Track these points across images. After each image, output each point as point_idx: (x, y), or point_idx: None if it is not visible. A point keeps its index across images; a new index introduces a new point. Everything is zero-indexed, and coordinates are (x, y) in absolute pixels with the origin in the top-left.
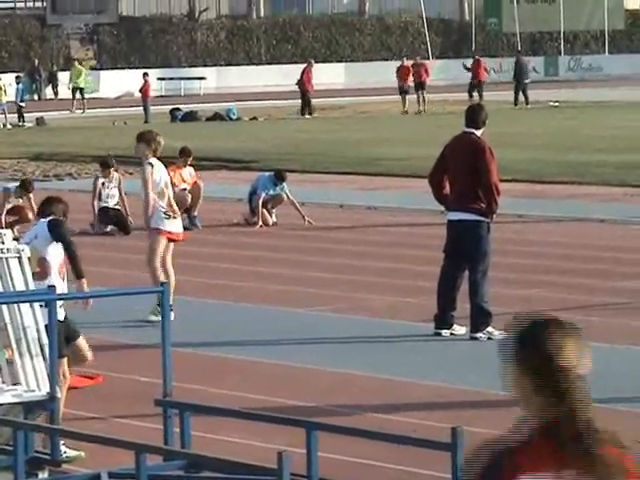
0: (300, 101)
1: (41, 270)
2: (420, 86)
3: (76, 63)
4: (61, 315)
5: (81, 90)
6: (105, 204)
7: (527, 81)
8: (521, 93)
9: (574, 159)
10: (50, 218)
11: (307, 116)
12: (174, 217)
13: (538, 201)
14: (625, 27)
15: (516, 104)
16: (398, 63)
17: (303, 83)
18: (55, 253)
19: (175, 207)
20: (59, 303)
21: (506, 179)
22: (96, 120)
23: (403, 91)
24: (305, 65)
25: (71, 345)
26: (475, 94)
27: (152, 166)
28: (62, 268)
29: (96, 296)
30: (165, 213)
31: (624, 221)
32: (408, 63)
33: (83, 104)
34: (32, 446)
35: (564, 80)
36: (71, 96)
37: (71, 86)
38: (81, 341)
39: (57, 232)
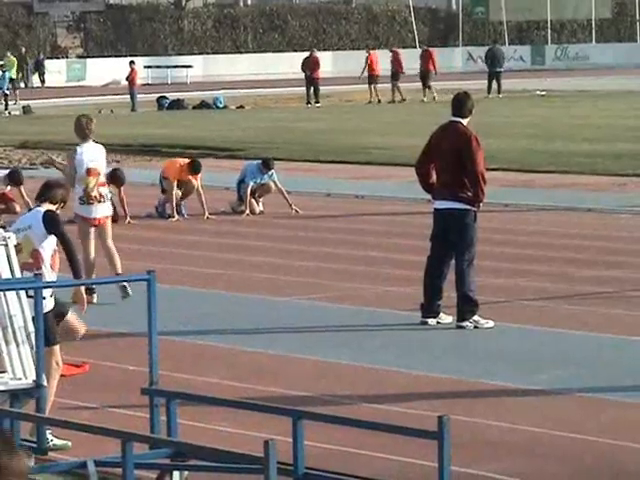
0: (305, 90)
1: (34, 261)
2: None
3: (9, 54)
4: (50, 304)
5: (12, 81)
6: None
7: (501, 70)
8: (494, 82)
9: (561, 148)
10: (46, 209)
11: (317, 105)
12: (89, 203)
13: (525, 190)
14: (612, 16)
15: (489, 93)
16: (385, 52)
17: (311, 72)
18: (49, 245)
19: (93, 194)
20: (48, 293)
21: (493, 168)
22: (82, 108)
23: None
24: (310, 53)
25: (64, 322)
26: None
27: (75, 152)
28: (54, 259)
29: (82, 284)
30: (80, 199)
31: (611, 210)
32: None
33: (15, 95)
34: (18, 435)
35: (551, 69)
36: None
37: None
38: (71, 316)
39: (52, 225)
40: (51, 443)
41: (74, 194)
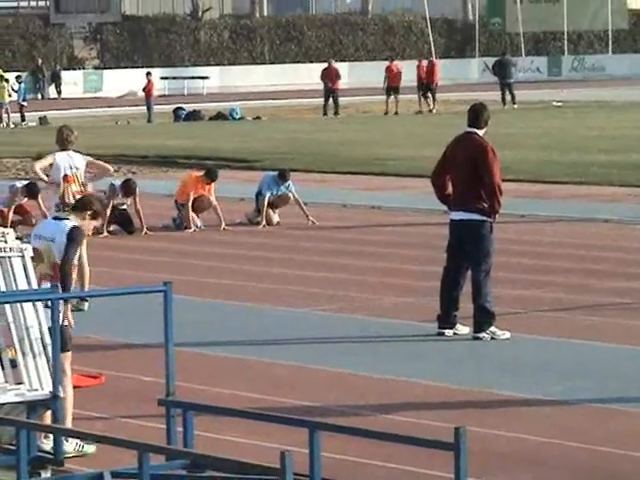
0: (324, 101)
1: (54, 275)
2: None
3: None
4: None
5: None
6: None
7: (511, 81)
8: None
9: (577, 159)
10: (72, 225)
11: (337, 116)
12: (64, 210)
13: (541, 201)
14: (629, 27)
15: (504, 104)
16: (405, 63)
17: (329, 82)
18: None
19: (68, 201)
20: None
21: (509, 179)
22: (99, 119)
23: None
24: (328, 64)
25: None
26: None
27: (53, 159)
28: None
29: (97, 295)
30: (56, 205)
31: (628, 221)
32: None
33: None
34: (35, 445)
35: (567, 80)
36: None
37: None
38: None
39: (70, 240)
40: (82, 449)
41: (51, 201)
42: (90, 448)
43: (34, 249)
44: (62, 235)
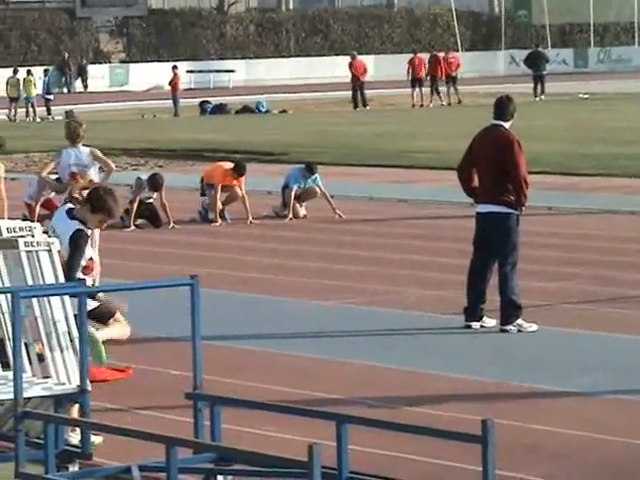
0: (352, 93)
1: (88, 266)
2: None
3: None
4: (93, 305)
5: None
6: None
7: (544, 73)
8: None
9: (604, 151)
10: (76, 229)
11: (366, 108)
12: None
13: (567, 193)
14: None
15: (536, 96)
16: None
17: (356, 76)
18: (89, 252)
19: (75, 195)
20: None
21: (535, 171)
22: (125, 113)
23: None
24: (352, 57)
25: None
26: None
27: (60, 155)
28: (91, 266)
29: (125, 289)
30: (64, 200)
31: None
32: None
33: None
34: (62, 439)
35: (593, 72)
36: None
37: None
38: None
39: (73, 242)
40: None
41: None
42: (97, 439)
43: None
44: (67, 236)
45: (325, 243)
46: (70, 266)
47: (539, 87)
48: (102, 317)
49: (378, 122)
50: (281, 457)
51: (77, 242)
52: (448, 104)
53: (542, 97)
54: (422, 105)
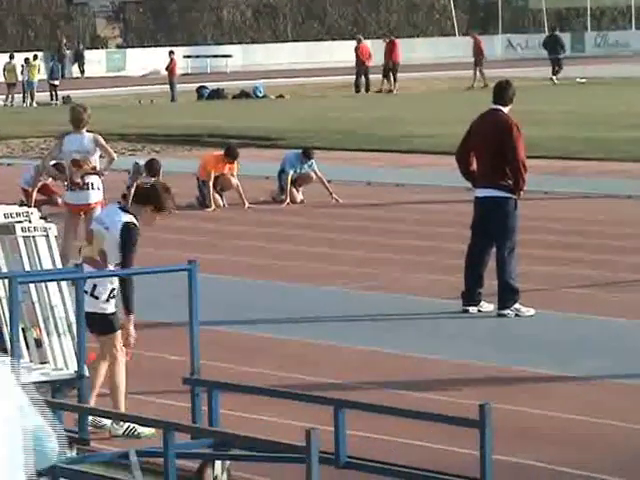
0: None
1: (98, 261)
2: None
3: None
4: (111, 308)
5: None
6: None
7: (561, 56)
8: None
9: (602, 135)
10: (125, 222)
11: (368, 93)
12: (72, 190)
13: (566, 178)
14: None
15: (552, 78)
16: (427, 40)
17: (362, 60)
18: (116, 255)
19: (76, 180)
20: (105, 296)
21: (534, 156)
22: (122, 98)
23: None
24: (358, 42)
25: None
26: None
27: (61, 139)
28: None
29: (123, 274)
30: (66, 185)
31: None
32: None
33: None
34: (61, 424)
35: (591, 56)
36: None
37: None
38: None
39: (124, 240)
40: (136, 433)
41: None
42: (146, 430)
43: (90, 230)
44: (116, 228)
45: (322, 228)
46: (126, 265)
47: (556, 69)
48: (110, 326)
49: (374, 107)
50: (279, 442)
51: (131, 238)
52: (485, 85)
53: (555, 78)
54: (391, 91)
